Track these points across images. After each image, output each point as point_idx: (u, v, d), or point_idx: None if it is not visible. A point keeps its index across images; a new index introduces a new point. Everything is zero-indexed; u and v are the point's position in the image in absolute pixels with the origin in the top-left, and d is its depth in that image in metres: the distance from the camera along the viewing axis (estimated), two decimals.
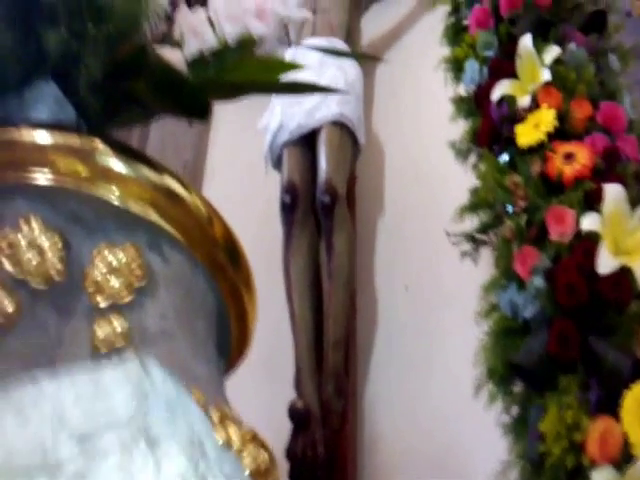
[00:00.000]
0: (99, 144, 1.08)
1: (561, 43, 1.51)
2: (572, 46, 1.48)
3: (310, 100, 2.57)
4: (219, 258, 1.19)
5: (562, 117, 1.41)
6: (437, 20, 3.01)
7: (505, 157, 1.49)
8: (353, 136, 2.55)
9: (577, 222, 1.28)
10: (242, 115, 3.07)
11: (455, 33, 1.82)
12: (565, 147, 1.38)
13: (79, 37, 1.01)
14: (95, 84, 1.04)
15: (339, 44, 2.78)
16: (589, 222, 1.25)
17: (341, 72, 2.66)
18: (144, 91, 1.09)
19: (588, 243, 1.23)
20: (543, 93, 1.45)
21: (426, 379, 2.22)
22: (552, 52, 1.48)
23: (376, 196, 2.66)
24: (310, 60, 2.72)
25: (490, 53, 1.60)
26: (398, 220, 2.55)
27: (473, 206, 1.49)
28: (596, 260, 1.20)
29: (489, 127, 1.51)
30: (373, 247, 2.51)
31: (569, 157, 1.36)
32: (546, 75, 1.46)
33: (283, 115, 2.58)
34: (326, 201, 2.33)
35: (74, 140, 1.07)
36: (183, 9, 1.14)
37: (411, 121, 2.82)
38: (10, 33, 1.03)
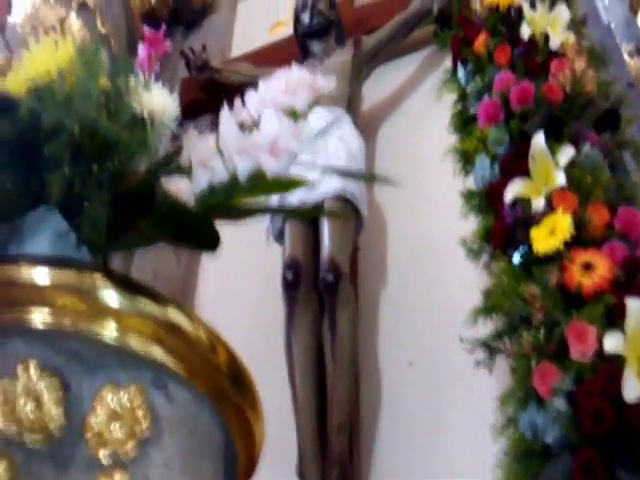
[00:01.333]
0: (99, 279, 1.01)
1: (575, 142, 1.47)
2: (587, 148, 1.43)
3: (312, 174, 2.52)
4: (223, 386, 1.11)
5: (579, 223, 1.36)
6: (437, 86, 3.03)
7: (518, 257, 1.44)
8: (356, 209, 2.50)
9: (599, 339, 1.21)
10: None
11: (462, 122, 1.77)
12: (583, 256, 1.32)
13: (82, 177, 0.94)
14: (98, 221, 0.98)
15: (341, 113, 2.74)
16: (612, 344, 1.18)
17: (343, 144, 2.61)
18: (150, 226, 1.03)
19: (612, 367, 1.16)
20: (558, 197, 1.40)
21: (430, 464, 2.14)
22: (566, 154, 1.43)
23: (379, 268, 2.59)
24: (311, 130, 2.69)
25: (501, 149, 1.56)
26: (402, 293, 2.47)
27: (487, 310, 1.43)
28: (622, 385, 1.14)
29: (502, 229, 1.45)
30: (376, 321, 2.43)
31: (588, 267, 1.30)
32: (561, 179, 1.40)
33: None
34: (329, 279, 2.26)
35: (73, 277, 0.99)
36: (192, 135, 1.08)
37: (413, 190, 2.77)
38: (10, 174, 0.97)
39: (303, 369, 2.20)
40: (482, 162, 1.57)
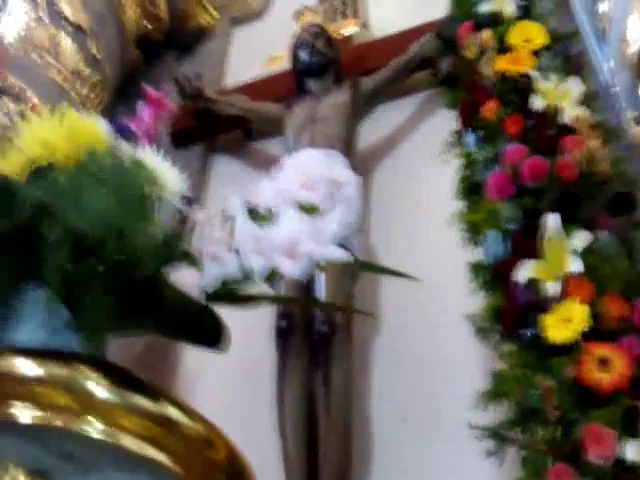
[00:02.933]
0: (89, 373, 0.93)
1: (590, 225, 1.42)
2: (604, 235, 1.38)
3: None
4: None
5: (594, 313, 1.31)
6: (435, 129, 2.96)
7: (528, 335, 1.39)
8: (353, 257, 2.42)
9: (618, 442, 1.16)
10: None
11: (469, 190, 1.71)
12: (599, 349, 1.27)
13: (85, 271, 0.86)
14: (98, 313, 0.89)
15: (338, 156, 2.67)
16: (633, 452, 1.13)
17: None
18: (153, 320, 0.95)
19: (634, 476, 1.11)
20: (573, 283, 1.35)
21: None
22: (582, 239, 1.38)
23: (373, 319, 2.52)
24: None
25: (513, 226, 1.50)
26: (396, 344, 2.40)
27: (495, 395, 1.37)
28: None
29: (513, 311, 1.40)
30: (369, 375, 2.36)
31: (604, 362, 1.25)
32: (577, 265, 1.35)
33: None
34: (324, 330, 2.18)
35: (62, 370, 0.91)
36: (201, 218, 1.00)
37: (409, 235, 2.71)
38: (6, 257, 0.88)
39: (294, 424, 2.12)
40: (492, 237, 1.51)
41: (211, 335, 1.00)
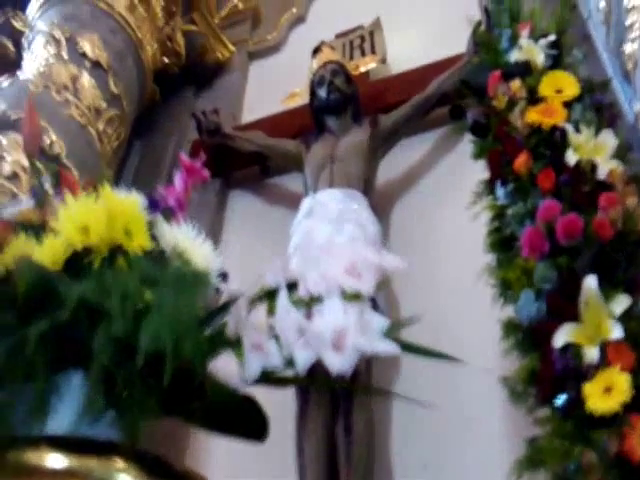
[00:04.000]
0: (123, 463, 0.88)
1: (629, 288, 1.37)
2: None
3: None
4: None
5: (636, 383, 1.26)
6: (453, 167, 2.94)
7: (566, 403, 1.34)
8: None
9: None
10: (253, 273, 2.91)
11: (500, 243, 1.67)
12: None
13: (129, 373, 0.81)
14: (140, 412, 0.85)
15: (357, 196, 2.63)
16: None
17: (360, 230, 2.50)
18: (195, 415, 0.91)
19: None
20: (613, 350, 1.30)
21: None
22: (621, 303, 1.34)
23: (393, 363, 2.47)
24: (329, 213, 2.58)
25: (547, 286, 1.46)
26: (415, 390, 2.35)
27: (533, 463, 1.32)
28: None
29: (550, 377, 1.35)
30: (389, 421, 2.30)
31: None
32: (617, 331, 1.31)
33: (299, 274, 2.41)
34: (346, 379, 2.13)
35: (94, 462, 0.86)
36: (240, 306, 0.95)
37: (427, 274, 2.66)
38: (45, 344, 0.84)
39: (315, 473, 2.06)
40: (527, 298, 1.47)
41: (253, 427, 0.96)
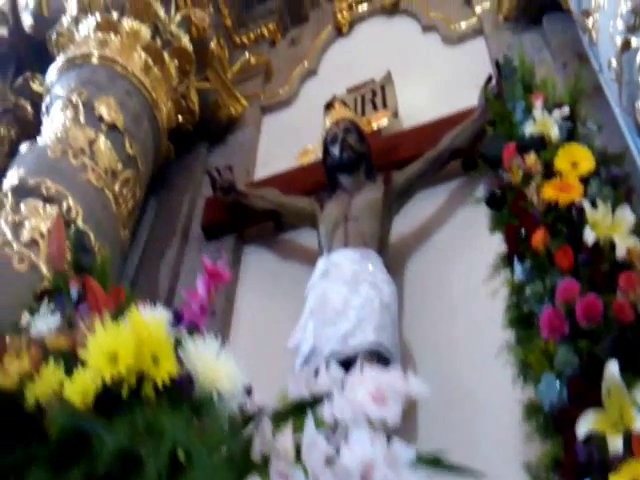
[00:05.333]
0: None
1: None
2: None
3: (345, 322, 2.41)
4: None
5: None
6: (467, 222, 2.94)
7: None
8: (389, 364, 2.37)
9: None
10: (267, 329, 2.92)
11: (519, 319, 1.68)
12: None
13: None
14: None
15: (372, 256, 2.63)
16: None
17: (376, 291, 2.50)
18: None
19: None
20: (638, 442, 1.29)
21: None
22: None
23: (408, 421, 2.44)
24: (344, 274, 2.59)
25: (569, 370, 1.46)
26: (436, 442, 2.32)
27: None
28: None
29: (575, 467, 1.34)
30: None
31: None
32: None
33: (316, 337, 2.40)
34: None
35: None
36: (265, 427, 0.96)
37: (443, 330, 2.65)
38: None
39: None
40: (548, 382, 1.46)
41: None
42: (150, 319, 0.97)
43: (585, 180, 1.73)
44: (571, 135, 1.85)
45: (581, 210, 1.64)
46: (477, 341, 2.46)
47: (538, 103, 1.94)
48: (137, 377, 0.90)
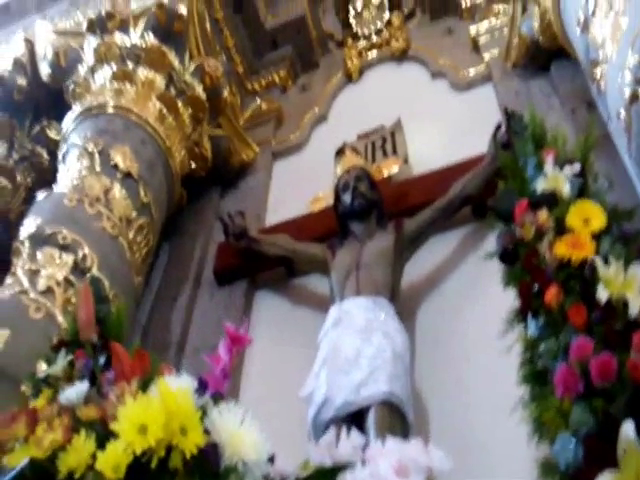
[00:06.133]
0: None
1: None
2: None
3: (358, 372, 2.42)
4: None
5: None
6: (479, 269, 2.94)
7: None
8: (402, 414, 2.38)
9: None
10: (278, 375, 2.93)
11: (533, 376, 1.70)
12: None
13: None
14: None
15: (384, 304, 2.65)
16: None
17: (388, 340, 2.51)
18: None
19: None
20: None
21: None
22: None
23: None
24: (356, 322, 2.61)
25: (584, 429, 1.47)
26: None
27: None
28: None
29: None
30: None
31: None
32: None
33: (328, 387, 2.41)
34: None
35: None
36: None
37: (456, 380, 2.66)
38: None
39: None
40: (564, 442, 1.48)
41: None
42: (177, 389, 1.00)
43: (597, 237, 1.76)
44: (582, 191, 1.88)
45: (593, 268, 1.67)
46: (490, 394, 2.46)
47: (549, 159, 1.98)
48: (166, 448, 0.93)
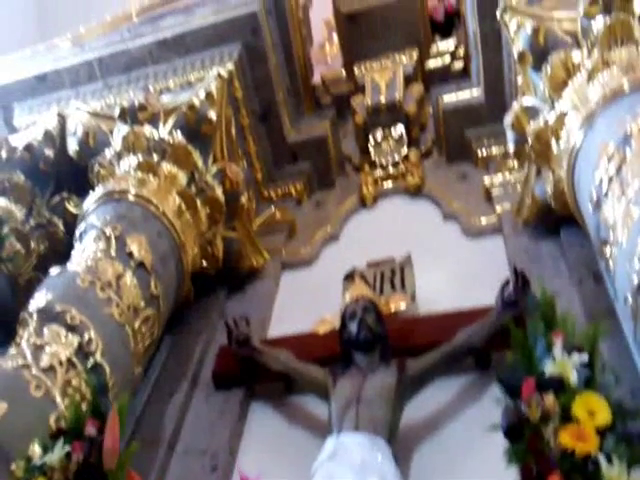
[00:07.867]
0: None
1: None
2: None
3: None
4: None
5: None
6: (478, 419, 2.72)
7: None
8: None
9: None
10: None
11: None
12: None
13: None
14: None
15: (381, 445, 2.68)
16: None
17: None
18: None
19: None
20: None
21: None
22: None
23: None
24: (352, 459, 2.58)
25: None
26: None
27: None
28: None
29: None
30: None
31: None
32: None
33: None
34: None
35: None
36: None
37: None
38: None
39: None
40: None
41: None
42: None
43: (601, 432, 1.85)
44: (589, 381, 1.98)
45: (596, 464, 1.75)
46: None
47: (558, 342, 2.08)
48: None
